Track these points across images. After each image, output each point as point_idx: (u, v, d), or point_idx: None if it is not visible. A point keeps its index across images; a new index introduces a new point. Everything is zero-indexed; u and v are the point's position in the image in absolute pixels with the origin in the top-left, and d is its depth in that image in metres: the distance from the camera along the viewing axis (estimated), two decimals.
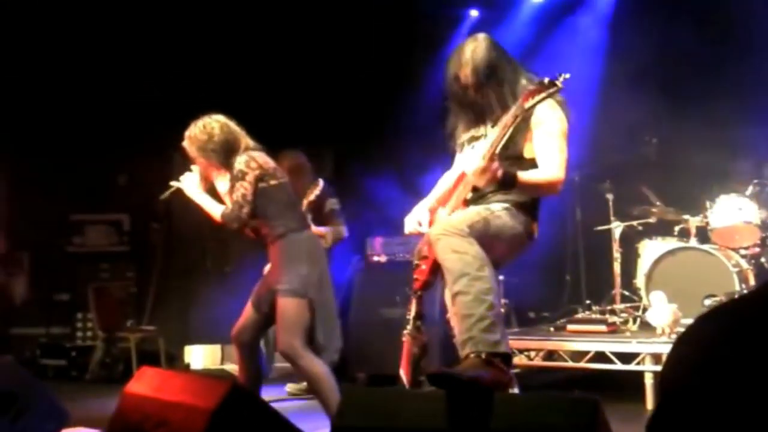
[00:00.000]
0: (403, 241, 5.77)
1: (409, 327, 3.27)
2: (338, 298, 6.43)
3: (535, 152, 3.22)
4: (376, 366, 5.82)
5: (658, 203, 6.25)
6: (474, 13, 7.72)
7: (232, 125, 3.93)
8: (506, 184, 3.06)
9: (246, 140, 3.92)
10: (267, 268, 4.12)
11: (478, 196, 3.26)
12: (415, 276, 3.25)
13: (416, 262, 3.25)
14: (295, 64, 7.42)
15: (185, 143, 3.93)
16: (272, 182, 3.86)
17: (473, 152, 3.26)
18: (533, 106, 3.01)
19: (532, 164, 3.22)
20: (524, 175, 3.09)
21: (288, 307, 3.71)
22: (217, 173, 3.93)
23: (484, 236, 3.01)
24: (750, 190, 5.96)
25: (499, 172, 3.00)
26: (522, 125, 3.15)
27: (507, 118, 3.04)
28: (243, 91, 7.19)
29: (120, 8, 7.13)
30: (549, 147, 3.18)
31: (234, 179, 3.81)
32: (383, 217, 6.26)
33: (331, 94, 7.48)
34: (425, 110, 6.09)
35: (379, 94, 7.14)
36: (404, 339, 3.27)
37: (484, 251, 2.95)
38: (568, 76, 3.01)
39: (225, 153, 3.86)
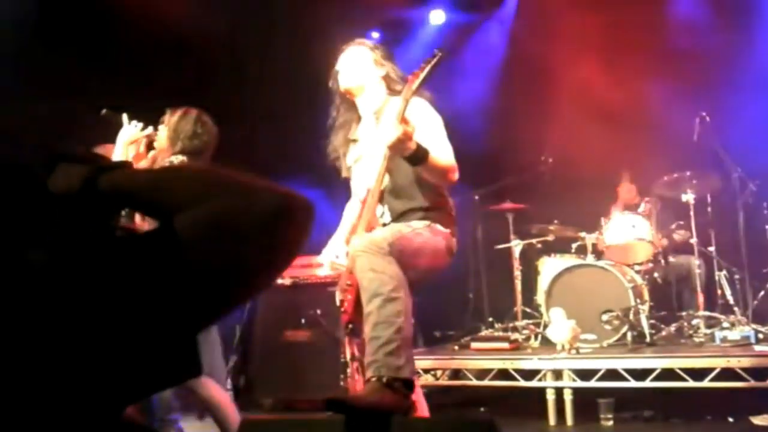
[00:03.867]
0: (306, 263, 5.71)
1: (348, 370, 3.18)
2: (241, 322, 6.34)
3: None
4: (282, 390, 5.74)
5: (555, 221, 6.41)
6: (375, 35, 7.78)
7: (213, 139, 3.87)
8: (419, 156, 3.05)
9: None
10: None
11: (398, 215, 3.26)
12: (342, 309, 3.19)
13: (340, 297, 3.18)
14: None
15: (167, 117, 3.85)
16: None
17: (379, 131, 3.26)
18: (421, 84, 3.09)
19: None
20: (433, 153, 3.11)
21: None
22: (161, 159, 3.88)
23: (405, 254, 2.99)
24: (642, 207, 6.19)
25: (413, 143, 3.01)
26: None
27: (400, 104, 3.09)
28: None
29: None
30: (437, 138, 3.23)
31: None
32: None
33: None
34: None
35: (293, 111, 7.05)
36: (348, 383, 3.19)
37: (406, 269, 2.94)
38: (444, 52, 3.12)
39: (190, 153, 3.77)
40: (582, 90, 6.85)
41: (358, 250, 2.97)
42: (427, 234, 3.17)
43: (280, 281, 6.20)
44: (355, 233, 3.26)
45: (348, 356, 3.19)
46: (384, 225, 3.24)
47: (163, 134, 3.88)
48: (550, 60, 7.02)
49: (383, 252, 2.92)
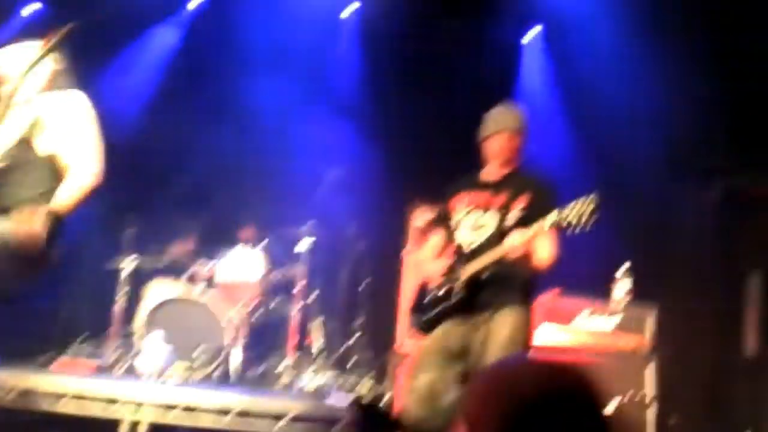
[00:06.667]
0: None
1: None
2: None
3: (60, 150, 3.15)
4: None
5: (177, 243, 6.30)
6: None
7: None
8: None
9: None
10: None
11: None
12: None
13: None
14: None
15: None
16: None
17: None
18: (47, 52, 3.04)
19: (50, 163, 3.12)
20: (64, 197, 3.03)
21: None
22: None
23: None
24: (259, 246, 6.34)
25: None
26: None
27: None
28: None
29: None
30: (84, 140, 3.16)
31: None
32: None
33: None
34: None
35: None
36: None
37: None
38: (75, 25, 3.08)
39: None
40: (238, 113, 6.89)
41: None
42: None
43: None
44: None
45: None
46: None
47: None
48: (218, 72, 6.97)
49: None
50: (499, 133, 3.69)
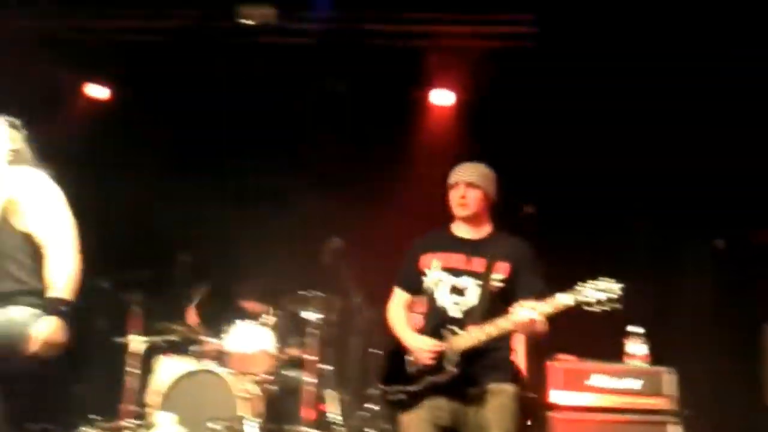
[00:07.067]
0: None
1: None
2: None
3: (35, 228, 3.11)
4: None
5: (185, 322, 6.27)
6: None
7: None
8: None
9: None
10: None
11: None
12: None
13: None
14: None
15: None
16: None
17: None
18: None
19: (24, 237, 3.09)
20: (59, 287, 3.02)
21: None
22: None
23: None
24: (266, 318, 6.29)
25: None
26: None
27: None
28: None
29: None
30: (56, 223, 3.10)
31: None
32: None
33: None
34: None
35: None
36: None
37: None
38: None
39: None
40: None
41: None
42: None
43: None
44: None
45: None
46: None
47: None
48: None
49: None
50: (457, 185, 3.66)
